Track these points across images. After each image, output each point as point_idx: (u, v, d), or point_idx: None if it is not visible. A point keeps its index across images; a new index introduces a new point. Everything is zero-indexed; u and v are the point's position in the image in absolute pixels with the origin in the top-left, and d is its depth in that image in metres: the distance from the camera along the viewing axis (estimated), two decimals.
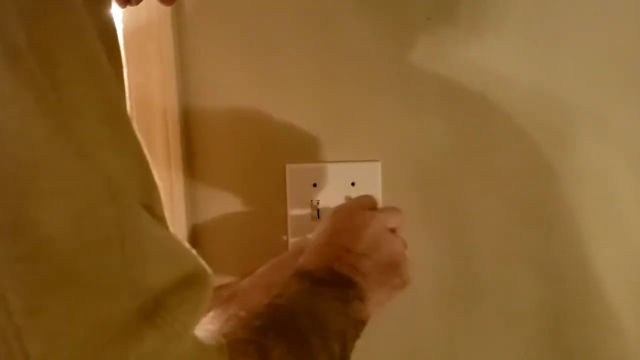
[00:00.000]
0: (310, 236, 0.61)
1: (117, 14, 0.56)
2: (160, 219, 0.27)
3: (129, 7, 0.56)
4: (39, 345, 0.21)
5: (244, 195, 0.62)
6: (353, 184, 0.61)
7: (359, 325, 0.42)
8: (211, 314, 0.37)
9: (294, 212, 0.61)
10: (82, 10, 0.24)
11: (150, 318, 0.23)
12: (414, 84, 0.61)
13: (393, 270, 0.48)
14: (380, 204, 0.62)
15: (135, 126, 0.27)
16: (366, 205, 0.52)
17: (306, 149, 0.61)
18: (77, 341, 0.21)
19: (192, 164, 0.61)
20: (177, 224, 0.59)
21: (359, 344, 0.43)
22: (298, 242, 0.62)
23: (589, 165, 0.62)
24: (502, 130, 0.62)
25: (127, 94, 0.29)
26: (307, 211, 0.61)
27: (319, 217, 0.61)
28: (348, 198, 0.61)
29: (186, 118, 0.60)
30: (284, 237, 0.62)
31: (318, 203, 0.61)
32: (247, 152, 0.61)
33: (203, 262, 0.28)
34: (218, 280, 0.43)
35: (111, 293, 0.23)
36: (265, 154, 0.61)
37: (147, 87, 0.56)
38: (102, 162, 0.23)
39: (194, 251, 0.28)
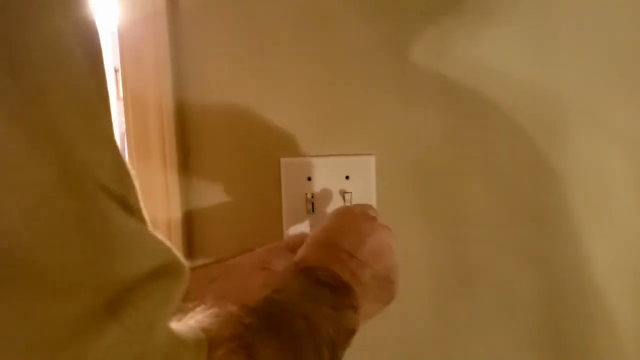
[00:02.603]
0: (309, 231, 0.62)
1: (113, 9, 0.56)
2: (133, 209, 0.26)
3: (124, 3, 0.56)
4: None
5: (239, 190, 0.62)
6: (347, 177, 0.62)
7: (350, 334, 0.42)
8: (204, 310, 0.36)
9: (288, 205, 0.62)
10: None
11: (113, 313, 0.22)
12: (408, 78, 0.61)
13: (387, 285, 0.47)
14: (374, 198, 0.62)
15: (109, 115, 0.25)
16: (369, 215, 0.51)
17: (300, 142, 0.62)
18: (31, 340, 0.20)
19: (187, 158, 0.61)
20: (172, 218, 0.59)
21: (356, 337, 0.42)
22: (295, 234, 0.62)
23: (585, 161, 0.63)
24: (496, 124, 0.62)
25: (107, 85, 0.27)
26: (301, 205, 0.62)
27: (313, 211, 0.62)
28: (342, 192, 0.62)
29: (181, 113, 0.60)
30: (279, 230, 0.63)
31: (312, 196, 0.61)
32: (241, 146, 0.61)
33: (177, 254, 0.27)
34: None
35: (70, 289, 0.21)
36: (260, 148, 0.61)
37: (142, 82, 0.57)
38: (61, 152, 0.22)
39: (168, 243, 0.27)
